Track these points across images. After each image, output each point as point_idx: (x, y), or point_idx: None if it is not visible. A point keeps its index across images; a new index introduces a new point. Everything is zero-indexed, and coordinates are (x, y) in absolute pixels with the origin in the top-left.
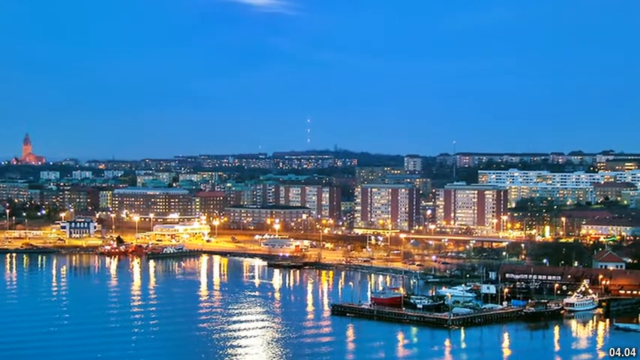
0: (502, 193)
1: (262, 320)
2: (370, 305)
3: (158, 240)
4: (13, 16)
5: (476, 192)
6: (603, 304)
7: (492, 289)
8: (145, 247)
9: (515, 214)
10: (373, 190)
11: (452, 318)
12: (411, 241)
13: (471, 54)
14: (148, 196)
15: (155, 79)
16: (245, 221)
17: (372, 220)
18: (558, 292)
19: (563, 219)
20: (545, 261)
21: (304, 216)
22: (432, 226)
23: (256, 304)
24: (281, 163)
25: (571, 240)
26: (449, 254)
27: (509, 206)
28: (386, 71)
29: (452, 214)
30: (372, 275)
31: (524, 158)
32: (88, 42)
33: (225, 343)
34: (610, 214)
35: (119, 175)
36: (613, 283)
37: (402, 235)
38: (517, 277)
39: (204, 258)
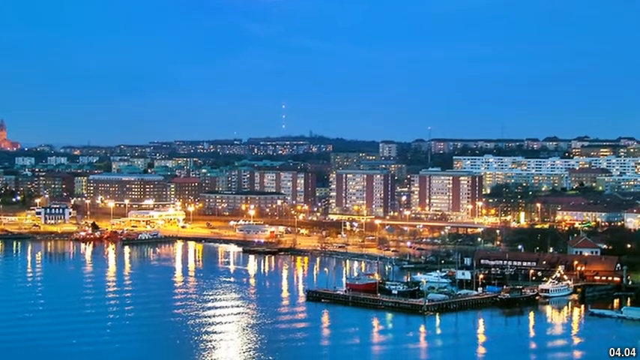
0: (477, 179)
1: (237, 306)
2: (345, 291)
3: (133, 226)
4: None
5: (451, 178)
6: (578, 290)
7: (467, 275)
8: (120, 233)
9: (490, 200)
10: (348, 176)
11: (427, 304)
12: (386, 227)
13: (446, 40)
14: (123, 182)
15: (130, 65)
16: (220, 207)
17: (347, 206)
18: (533, 278)
19: (538, 205)
20: (520, 247)
21: (279, 202)
22: (407, 212)
23: (231, 290)
24: (256, 149)
25: (546, 226)
26: (424, 240)
27: (484, 192)
28: (361, 57)
29: (427, 200)
30: (347, 261)
31: (499, 144)
32: (64, 28)
33: (200, 329)
34: (585, 200)
35: (94, 161)
36: (588, 269)
37: (377, 221)
38: (492, 263)
39: (179, 244)
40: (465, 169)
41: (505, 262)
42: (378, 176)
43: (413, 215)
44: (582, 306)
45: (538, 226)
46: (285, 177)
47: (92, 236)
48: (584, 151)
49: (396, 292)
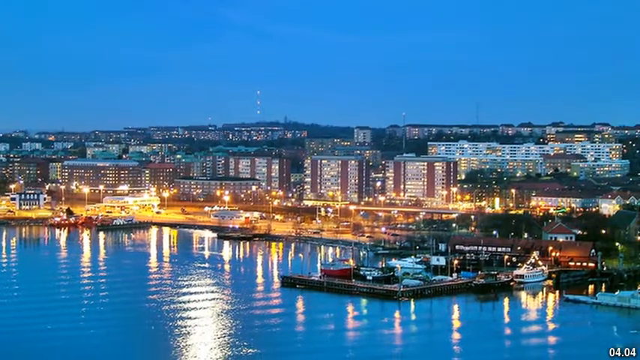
0: (452, 164)
1: (212, 292)
2: (320, 277)
3: (108, 212)
4: None
5: (425, 164)
6: (553, 275)
7: (442, 261)
8: (95, 218)
9: (465, 186)
10: (323, 161)
11: (401, 290)
12: (361, 212)
13: (421, 27)
14: (97, 168)
15: (105, 51)
16: (195, 193)
17: (322, 191)
18: (508, 263)
19: (513, 191)
20: (494, 233)
21: (254, 188)
22: (381, 198)
23: (206, 276)
24: (231, 135)
25: (521, 212)
26: (398, 226)
27: (458, 178)
28: (336, 43)
29: (401, 186)
30: (322, 247)
31: (473, 130)
32: (38, 14)
33: (175, 314)
34: (560, 185)
35: (69, 146)
36: (563, 255)
37: (352, 207)
38: (467, 248)
39: (154, 230)
40: (440, 154)
41: (480, 247)
42: (353, 162)
43: (388, 201)
44: (557, 292)
45: (513, 212)
46: (259, 163)
47: (67, 222)
48: (558, 137)
49: (370, 277)
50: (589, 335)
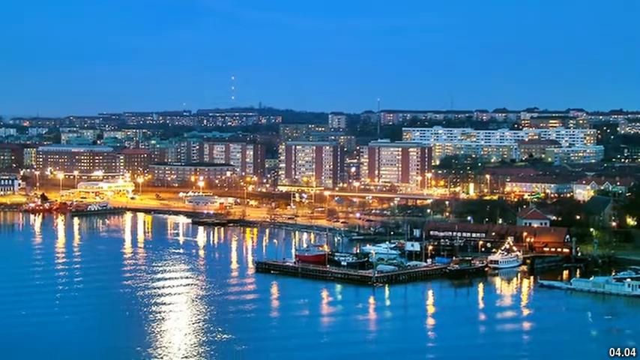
0: (426, 150)
1: (186, 278)
2: (294, 263)
3: (82, 197)
4: None
5: (400, 149)
6: (527, 261)
7: (416, 247)
8: (70, 204)
9: (440, 172)
10: (297, 147)
11: (376, 275)
12: (335, 198)
13: (395, 11)
14: (72, 154)
15: (80, 36)
16: (169, 179)
17: (297, 177)
18: (482, 249)
19: (488, 176)
20: (469, 218)
21: (228, 173)
22: (356, 184)
23: (180, 262)
24: (205, 121)
25: (495, 197)
26: (373, 212)
27: (433, 163)
28: (311, 29)
29: (376, 172)
30: (297, 233)
31: (448, 115)
32: None
33: (149, 300)
34: (534, 171)
35: (43, 132)
36: (537, 241)
37: (327, 193)
38: (441, 234)
39: (129, 215)
40: (415, 140)
41: (454, 233)
42: (327, 148)
43: (362, 187)
44: (531, 277)
45: (487, 198)
46: (234, 148)
47: (41, 207)
48: (533, 123)
49: (345, 263)
50: (563, 321)
